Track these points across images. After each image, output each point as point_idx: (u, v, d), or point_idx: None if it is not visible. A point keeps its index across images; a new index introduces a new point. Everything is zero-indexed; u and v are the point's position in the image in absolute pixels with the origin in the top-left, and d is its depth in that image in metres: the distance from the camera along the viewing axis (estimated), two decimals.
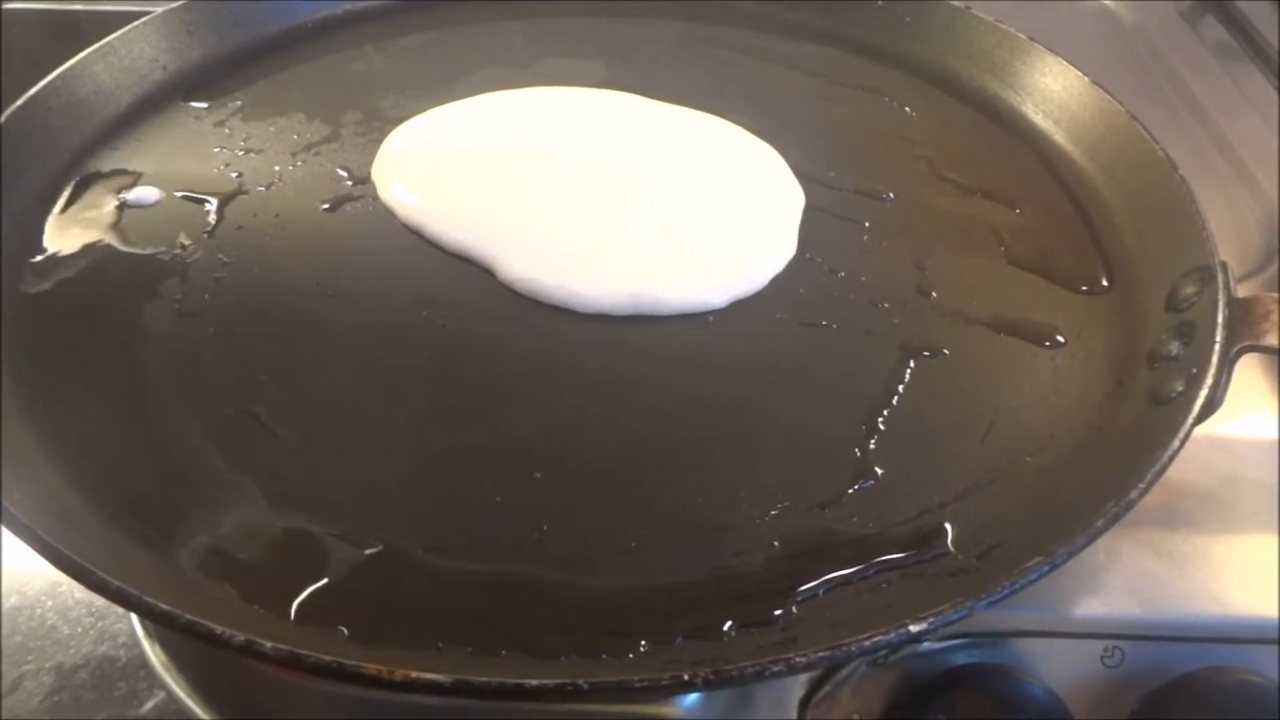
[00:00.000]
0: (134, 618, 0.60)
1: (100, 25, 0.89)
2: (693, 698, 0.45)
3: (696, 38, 0.73)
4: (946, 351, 0.52)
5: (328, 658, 0.36)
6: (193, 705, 0.57)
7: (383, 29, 0.72)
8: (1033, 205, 0.61)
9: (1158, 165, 0.59)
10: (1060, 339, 0.53)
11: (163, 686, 0.58)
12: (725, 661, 0.37)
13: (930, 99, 0.69)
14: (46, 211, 0.56)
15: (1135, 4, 0.98)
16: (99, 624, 0.66)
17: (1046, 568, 0.39)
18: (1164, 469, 0.43)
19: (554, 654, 0.39)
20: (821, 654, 0.36)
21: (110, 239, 0.55)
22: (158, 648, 0.59)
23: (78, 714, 0.63)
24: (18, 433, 0.45)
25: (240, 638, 0.36)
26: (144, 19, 0.65)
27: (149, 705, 0.64)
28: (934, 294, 0.55)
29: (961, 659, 0.50)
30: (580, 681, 0.35)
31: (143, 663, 0.60)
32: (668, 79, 0.68)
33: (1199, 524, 0.54)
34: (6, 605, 0.65)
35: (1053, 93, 0.67)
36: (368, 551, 0.43)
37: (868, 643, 0.36)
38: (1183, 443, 0.44)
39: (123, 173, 0.59)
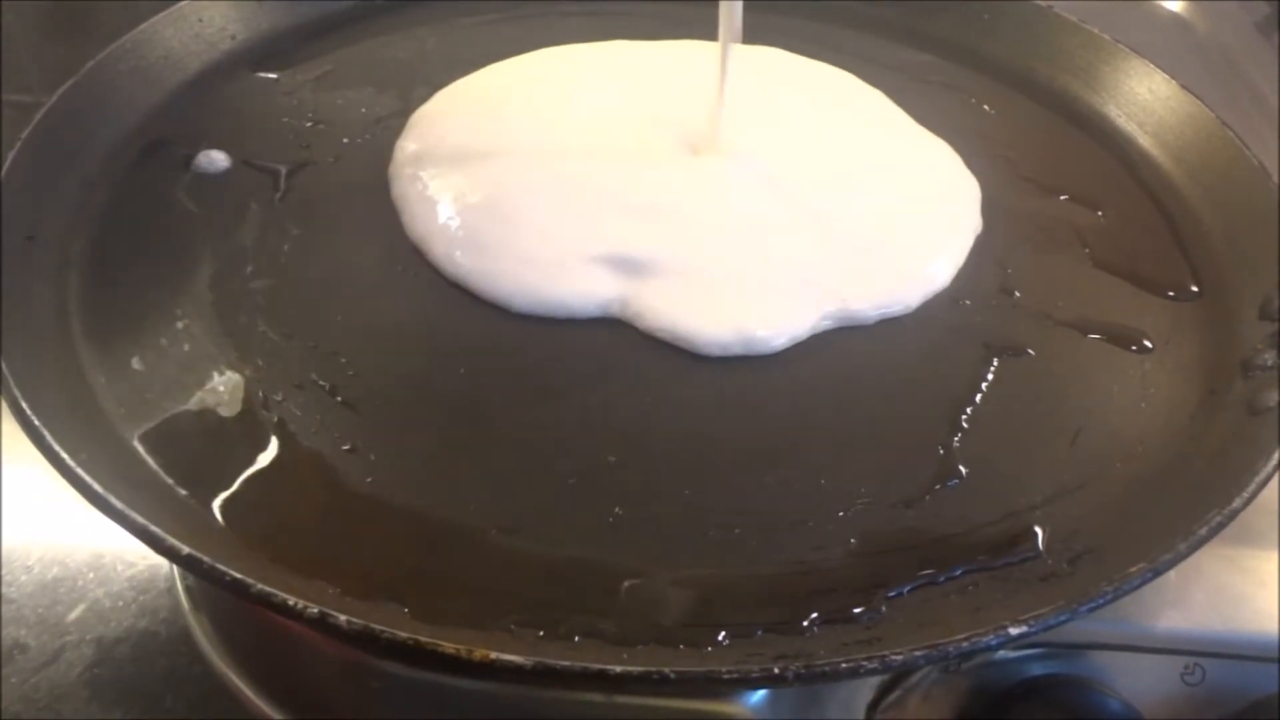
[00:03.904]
0: (180, 592, 0.59)
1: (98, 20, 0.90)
2: (759, 696, 0.44)
3: (769, 29, 0.71)
4: (1031, 352, 0.51)
5: (402, 634, 0.35)
6: (236, 679, 0.56)
7: (452, 6, 0.71)
8: (1116, 208, 0.60)
9: (1251, 172, 0.57)
10: (1148, 344, 0.52)
11: (204, 661, 0.58)
12: (811, 657, 0.36)
13: (1009, 98, 0.67)
14: (116, 175, 0.56)
15: (1210, 14, 0.96)
16: (141, 598, 0.66)
17: (1150, 574, 0.38)
18: (1267, 480, 0.42)
19: (630, 642, 0.38)
20: (918, 653, 0.35)
21: (178, 204, 0.55)
22: (204, 621, 0.58)
23: (118, 687, 0.62)
24: (87, 396, 0.45)
25: (314, 610, 0.35)
26: None
27: (190, 680, 0.63)
28: (1017, 294, 0.53)
29: (1037, 670, 0.49)
30: (667, 670, 0.34)
31: (185, 637, 0.59)
32: None
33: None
34: (48, 577, 0.65)
35: (1137, 96, 0.65)
36: (435, 529, 0.42)
37: (965, 643, 0.35)
38: None
39: (191, 139, 0.58)
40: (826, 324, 0.51)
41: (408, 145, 0.59)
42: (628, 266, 0.51)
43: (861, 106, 0.65)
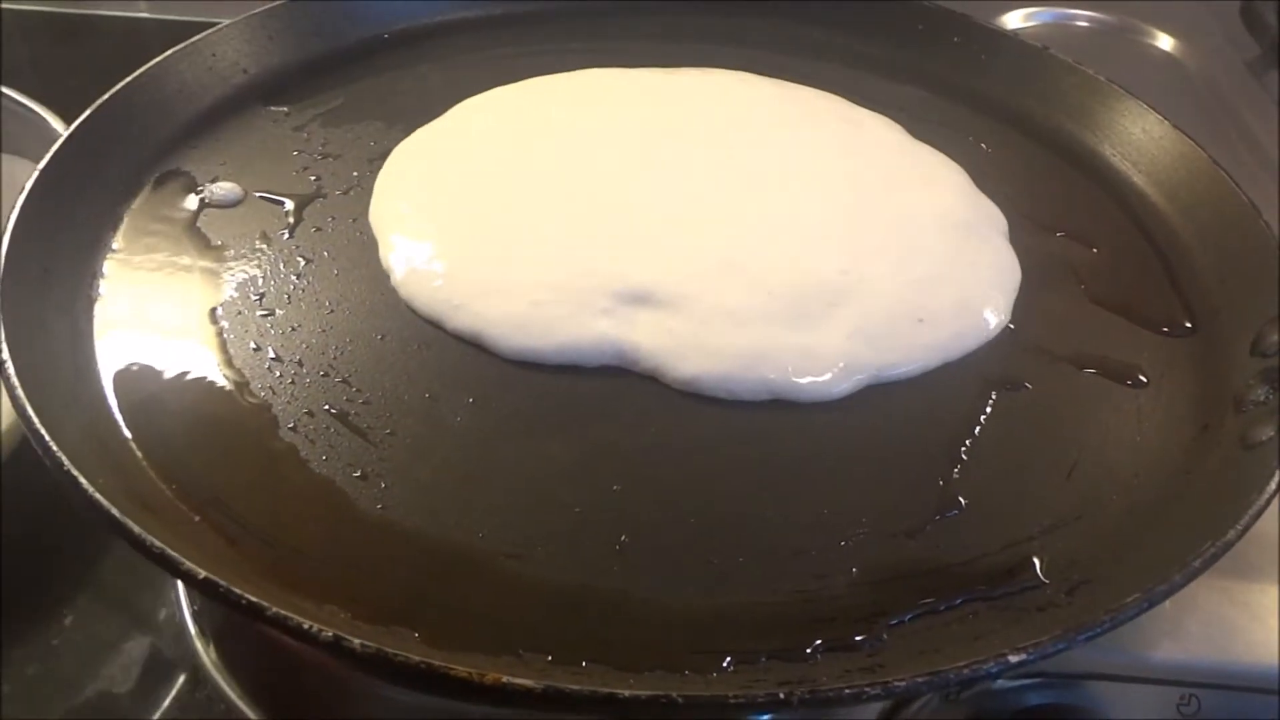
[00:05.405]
0: (187, 618, 0.60)
1: (96, 27, 0.91)
2: None
3: (765, 65, 0.72)
4: (1028, 386, 0.52)
5: (415, 658, 0.35)
6: (242, 706, 0.56)
7: (457, 43, 0.72)
8: (1110, 245, 0.61)
9: (1242, 211, 0.58)
10: (1143, 379, 0.53)
11: (210, 684, 0.58)
12: (815, 682, 0.37)
13: (1005, 137, 0.68)
14: (127, 205, 0.57)
15: (1201, 53, 0.98)
16: (147, 623, 0.66)
17: (1146, 604, 0.39)
18: (1260, 513, 0.43)
19: (636, 668, 0.39)
20: (920, 679, 0.35)
21: (190, 235, 0.55)
22: (210, 649, 0.58)
23: (125, 713, 0.62)
24: (103, 424, 0.45)
25: (329, 634, 0.35)
26: (227, 23, 0.66)
27: (197, 704, 0.63)
28: (1014, 328, 0.54)
29: (1034, 699, 0.50)
30: (674, 694, 0.34)
31: (193, 662, 0.60)
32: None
33: (1275, 576, 0.53)
34: None
35: (1131, 135, 0.66)
36: (444, 555, 0.43)
37: (966, 670, 0.36)
38: (1279, 487, 0.43)
39: (203, 171, 0.59)
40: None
41: (384, 183, 0.59)
42: (633, 314, 0.51)
43: (900, 154, 0.65)
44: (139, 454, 0.44)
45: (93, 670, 0.62)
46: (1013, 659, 0.36)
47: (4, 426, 0.57)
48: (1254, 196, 0.59)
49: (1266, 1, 0.99)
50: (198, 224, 0.56)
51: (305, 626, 0.36)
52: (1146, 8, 1.00)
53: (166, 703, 0.61)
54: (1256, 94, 0.93)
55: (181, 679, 0.61)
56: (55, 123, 0.68)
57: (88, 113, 0.57)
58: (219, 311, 0.52)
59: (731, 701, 0.35)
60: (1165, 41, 0.98)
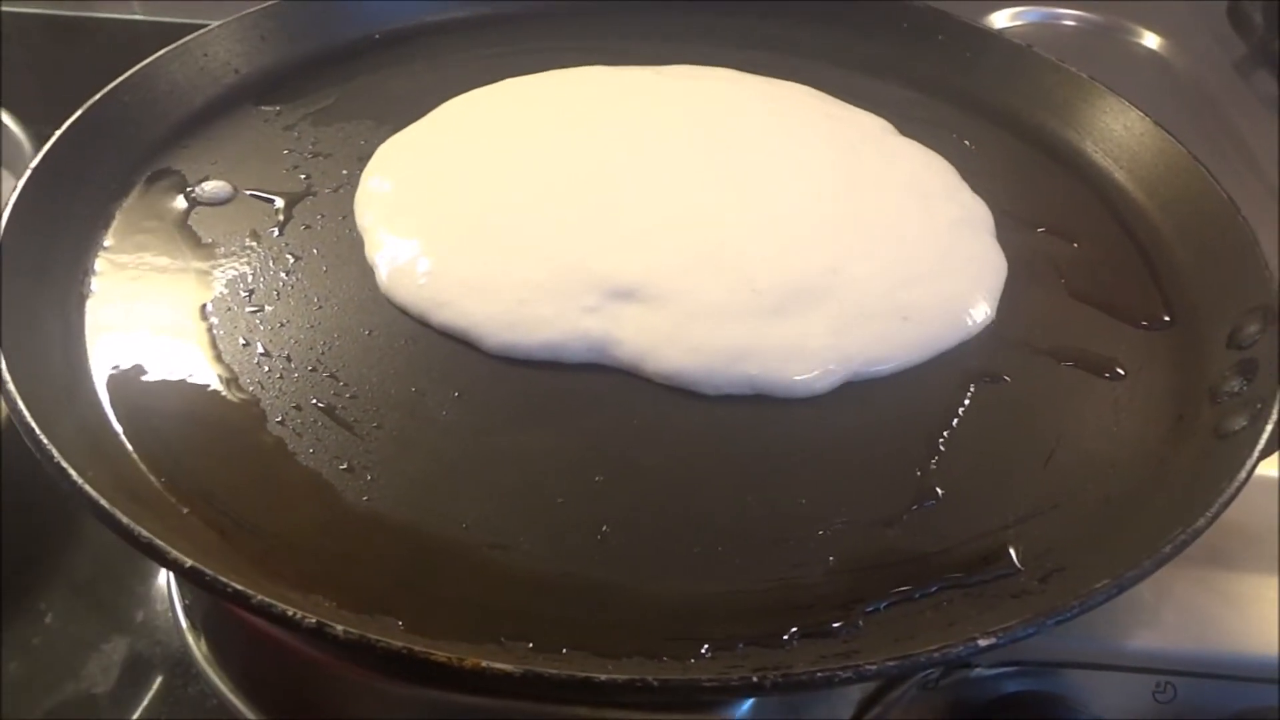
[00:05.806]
0: (178, 611, 0.60)
1: (98, 28, 0.92)
2: (743, 712, 0.45)
3: (751, 64, 0.73)
4: (1007, 378, 0.52)
5: (397, 643, 0.36)
6: (234, 700, 0.57)
7: (449, 42, 0.73)
8: (1091, 241, 0.61)
9: (1220, 205, 0.59)
10: (1121, 371, 0.53)
11: (203, 679, 0.58)
12: (790, 667, 0.37)
13: (989, 134, 0.69)
14: (119, 204, 0.57)
15: (1187, 52, 0.98)
16: (139, 618, 0.67)
17: (1115, 590, 0.39)
18: (1230, 500, 0.43)
19: (616, 654, 0.39)
20: (891, 663, 0.36)
21: (181, 233, 0.56)
22: (202, 642, 0.59)
23: (116, 708, 0.63)
24: (94, 418, 0.46)
25: (312, 620, 0.36)
26: (219, 23, 0.67)
27: (188, 698, 0.64)
28: (995, 322, 0.55)
29: (1012, 687, 0.50)
30: (650, 678, 0.35)
31: (183, 656, 0.60)
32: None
33: (1250, 565, 0.54)
34: None
35: (1113, 132, 0.67)
36: (429, 546, 0.43)
37: (937, 654, 0.36)
38: (1249, 475, 0.44)
39: (194, 170, 0.60)
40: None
41: (370, 181, 0.60)
42: (618, 310, 0.51)
43: (888, 151, 0.65)
44: (129, 447, 0.45)
45: (80, 664, 0.63)
46: (982, 643, 0.37)
47: None
48: (1240, 196, 0.59)
49: (1253, 1, 0.99)
50: (188, 222, 0.57)
51: (289, 614, 0.36)
52: (1133, 7, 1.01)
53: (156, 697, 0.61)
54: (1243, 93, 0.93)
55: (172, 673, 0.62)
56: (26, 144, 0.70)
57: (79, 112, 0.58)
58: (209, 308, 0.52)
59: (706, 685, 0.35)
60: (1152, 41, 0.99)
